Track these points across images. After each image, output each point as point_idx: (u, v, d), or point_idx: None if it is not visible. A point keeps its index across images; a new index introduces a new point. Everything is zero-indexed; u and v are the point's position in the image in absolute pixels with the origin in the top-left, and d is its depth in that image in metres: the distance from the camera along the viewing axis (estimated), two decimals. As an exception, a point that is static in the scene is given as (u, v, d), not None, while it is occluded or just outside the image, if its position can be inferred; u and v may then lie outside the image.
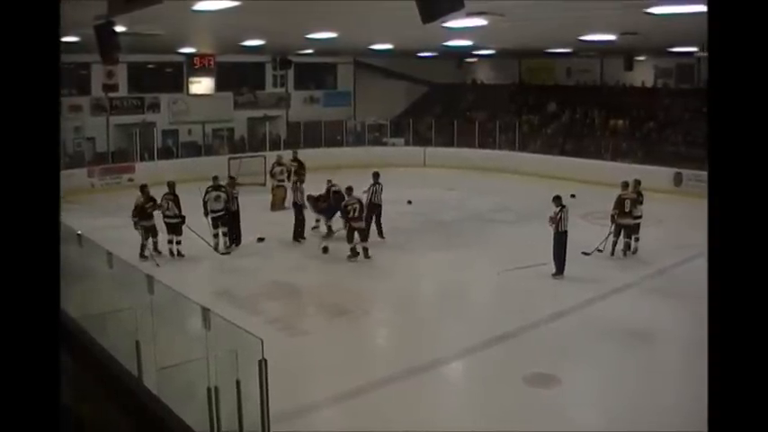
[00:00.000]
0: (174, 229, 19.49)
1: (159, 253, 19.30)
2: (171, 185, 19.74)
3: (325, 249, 20.07)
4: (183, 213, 19.48)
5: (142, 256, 18.89)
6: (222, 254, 19.70)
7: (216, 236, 19.96)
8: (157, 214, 19.39)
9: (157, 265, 18.16)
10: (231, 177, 23.10)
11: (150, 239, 19.32)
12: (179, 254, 19.54)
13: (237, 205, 20.70)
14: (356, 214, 19.39)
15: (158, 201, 19.49)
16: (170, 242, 19.56)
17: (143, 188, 19.82)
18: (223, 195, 20.05)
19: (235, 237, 20.63)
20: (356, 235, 19.38)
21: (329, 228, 21.94)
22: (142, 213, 19.25)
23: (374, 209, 21.41)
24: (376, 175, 22.01)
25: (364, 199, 20.49)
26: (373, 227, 21.32)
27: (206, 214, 19.87)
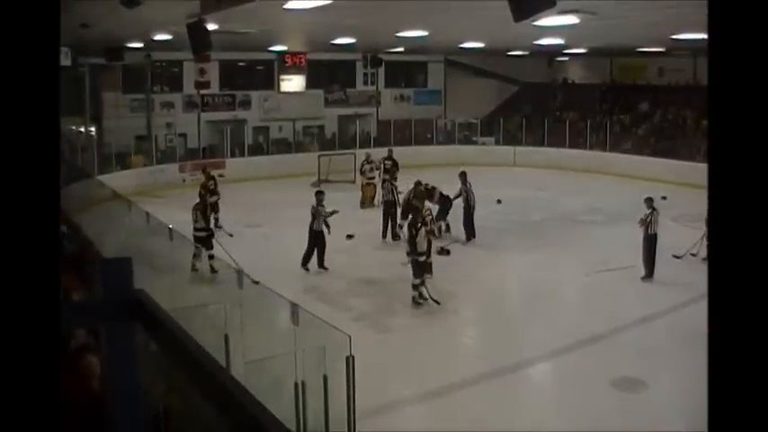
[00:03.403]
0: (202, 242, 17.20)
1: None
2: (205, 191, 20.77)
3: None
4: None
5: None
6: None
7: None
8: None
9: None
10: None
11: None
12: (212, 269, 15.91)
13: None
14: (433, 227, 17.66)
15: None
16: (195, 256, 15.86)
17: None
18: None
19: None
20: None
21: (447, 226, 21.30)
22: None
23: (467, 210, 21.33)
24: (463, 175, 21.69)
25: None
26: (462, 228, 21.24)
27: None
